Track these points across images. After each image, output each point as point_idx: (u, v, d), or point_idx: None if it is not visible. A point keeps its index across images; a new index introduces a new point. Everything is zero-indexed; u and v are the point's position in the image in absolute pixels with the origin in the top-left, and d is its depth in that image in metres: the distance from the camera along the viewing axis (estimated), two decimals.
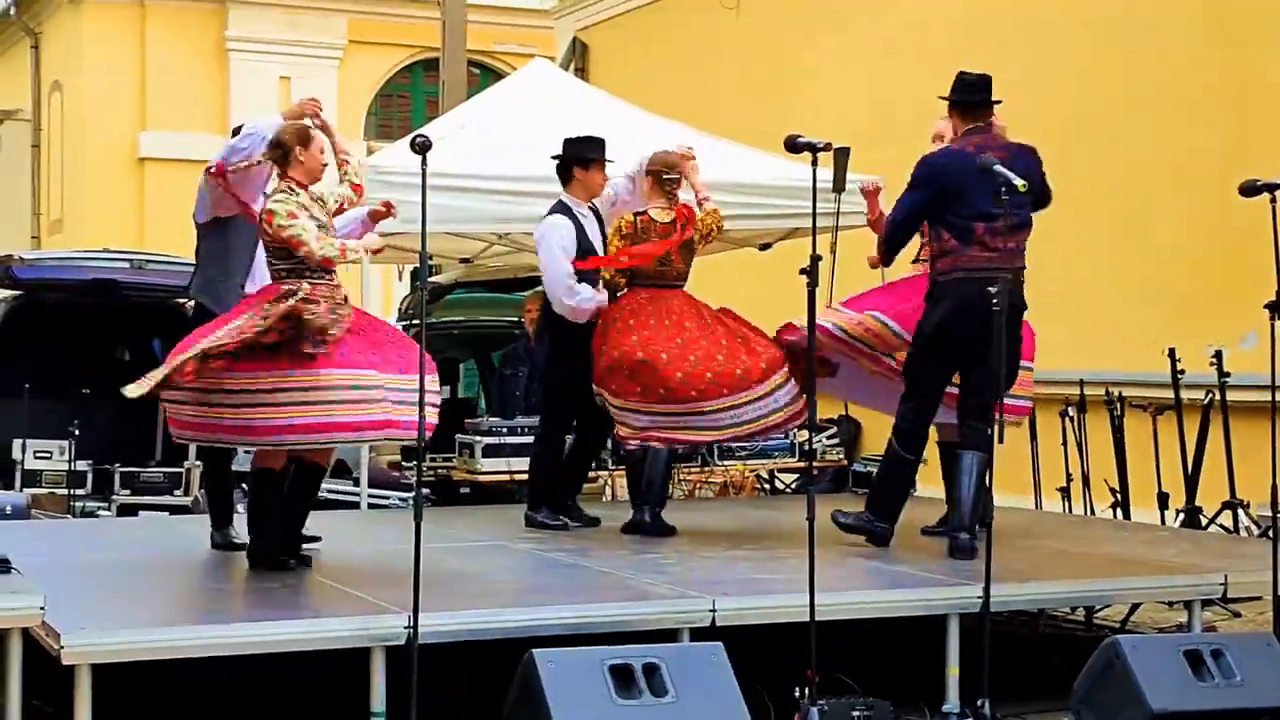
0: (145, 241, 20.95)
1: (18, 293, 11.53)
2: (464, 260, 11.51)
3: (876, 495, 7.21)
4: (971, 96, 7.00)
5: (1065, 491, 9.10)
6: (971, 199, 6.75)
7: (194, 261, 7.11)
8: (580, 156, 7.80)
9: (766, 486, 10.86)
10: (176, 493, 10.69)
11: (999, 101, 7.03)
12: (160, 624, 5.34)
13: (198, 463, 10.88)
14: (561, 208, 7.76)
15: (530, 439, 9.48)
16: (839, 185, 9.76)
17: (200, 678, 5.89)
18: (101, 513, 10.52)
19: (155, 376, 6.16)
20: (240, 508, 7.23)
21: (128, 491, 10.69)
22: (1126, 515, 8.97)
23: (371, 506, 8.96)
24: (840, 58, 13.63)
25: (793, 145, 6.00)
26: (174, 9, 23.29)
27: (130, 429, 11.65)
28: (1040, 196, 6.99)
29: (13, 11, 25.93)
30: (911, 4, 13.00)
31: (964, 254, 6.80)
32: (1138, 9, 11.00)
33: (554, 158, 7.91)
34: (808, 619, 5.37)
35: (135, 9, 23.18)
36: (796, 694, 5.30)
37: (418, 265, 5.54)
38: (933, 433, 7.36)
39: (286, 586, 6.11)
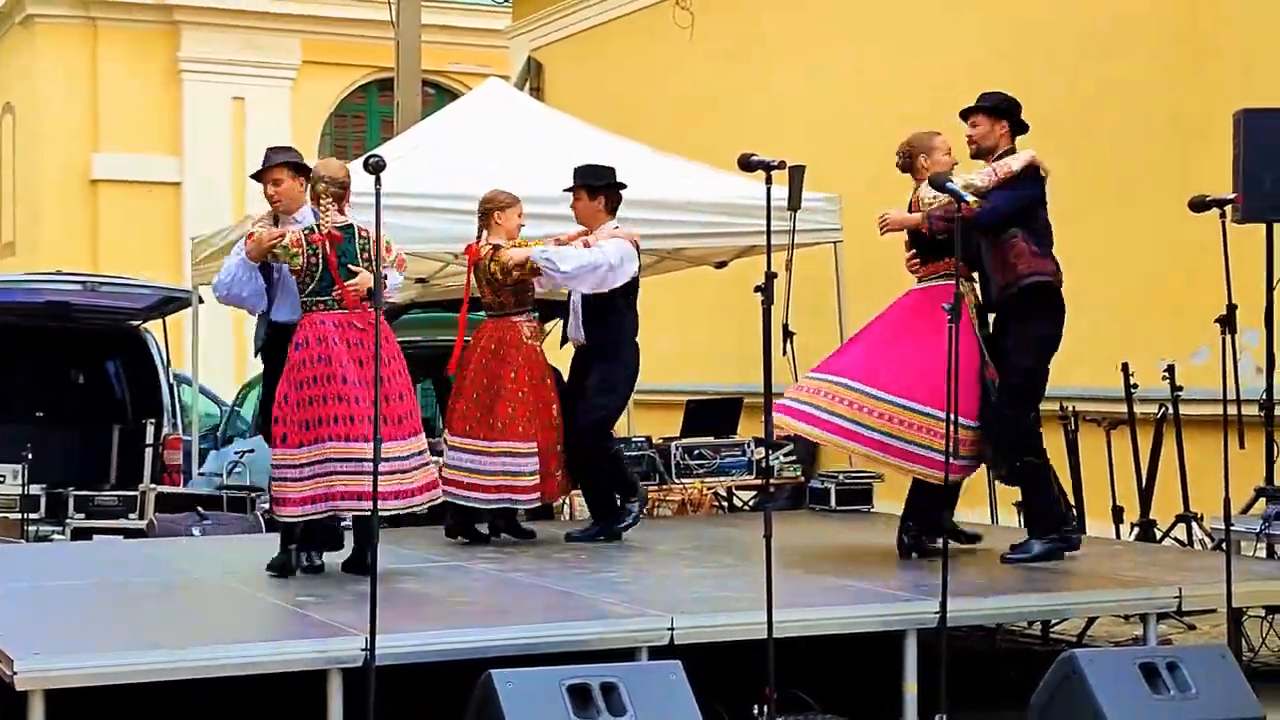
0: (99, 264, 20.85)
1: None
2: (420, 280, 11.49)
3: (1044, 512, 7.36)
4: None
5: (1021, 506, 9.13)
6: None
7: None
8: None
9: (724, 504, 10.86)
10: (131, 516, 10.60)
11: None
12: (115, 649, 5.30)
13: (153, 486, 10.82)
14: None
15: None
16: (794, 203, 9.80)
17: (156, 702, 5.85)
18: (55, 537, 10.43)
19: None
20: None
21: (82, 515, 10.61)
22: (1081, 529, 8.99)
23: None
24: (794, 76, 13.68)
25: (747, 164, 6.00)
26: (126, 30, 23.19)
27: (84, 452, 11.59)
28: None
29: None
30: (865, 23, 13.06)
31: (1052, 260, 7.18)
32: (1089, 29, 11.07)
33: (620, 185, 8.14)
34: (765, 636, 5.37)
35: (87, 30, 23.07)
36: (755, 711, 5.30)
37: (373, 285, 5.53)
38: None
39: (241, 610, 6.08)
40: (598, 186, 8.10)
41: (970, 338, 7.04)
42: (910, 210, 7.34)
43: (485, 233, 7.97)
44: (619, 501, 8.18)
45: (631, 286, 8.09)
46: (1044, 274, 7.17)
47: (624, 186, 8.19)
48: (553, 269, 7.75)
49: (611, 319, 8.07)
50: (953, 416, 6.11)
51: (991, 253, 7.22)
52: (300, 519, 6.76)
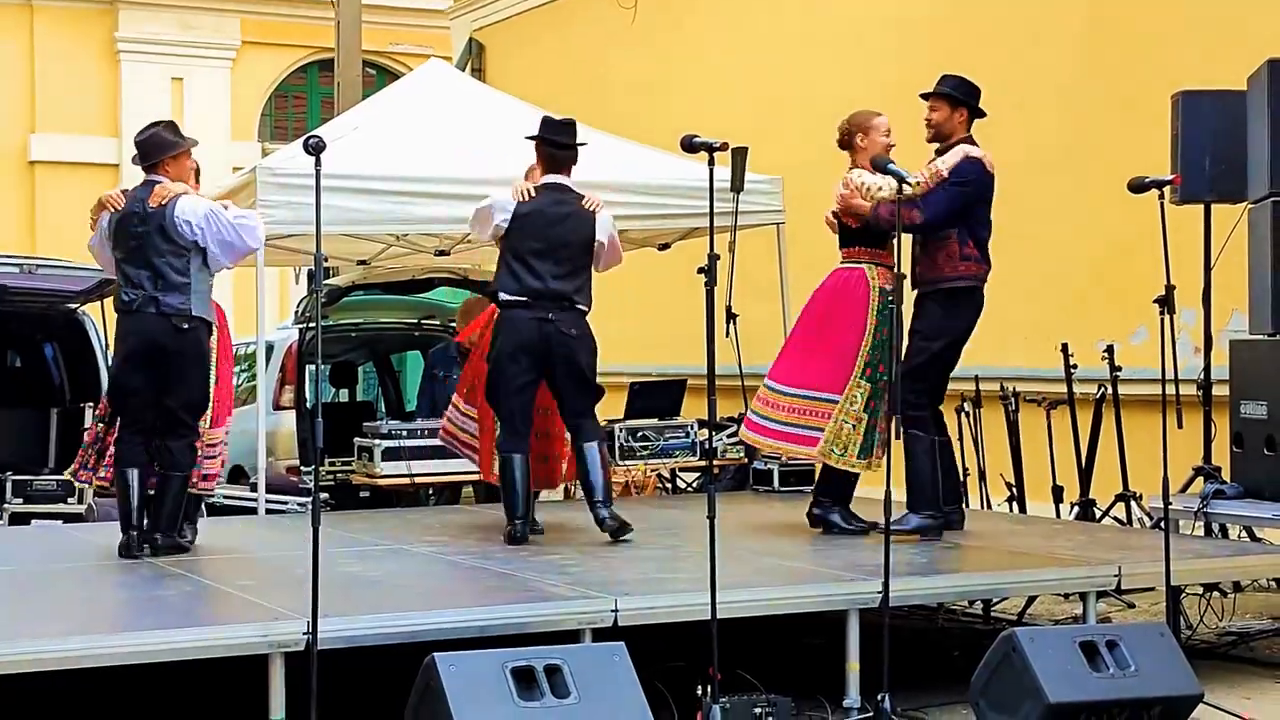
0: (36, 246, 20.61)
1: None
2: (361, 262, 11.44)
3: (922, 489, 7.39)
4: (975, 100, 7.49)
5: (962, 486, 9.19)
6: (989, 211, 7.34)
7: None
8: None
9: (668, 485, 10.87)
10: (70, 501, 10.50)
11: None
12: (54, 634, 5.25)
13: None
14: None
15: (432, 442, 9.47)
16: (737, 185, 9.79)
17: (98, 688, 5.81)
18: None
19: None
20: None
21: (19, 500, 10.50)
22: (1022, 509, 9.08)
23: (270, 512, 8.88)
24: (737, 58, 13.68)
25: (689, 145, 6.01)
26: (62, 9, 22.92)
27: (21, 437, 11.46)
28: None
29: None
30: (810, 6, 13.07)
31: (981, 265, 7.29)
32: (1029, 12, 11.13)
33: (563, 143, 7.50)
34: (709, 617, 5.38)
35: (23, 9, 22.79)
36: (699, 692, 5.31)
37: (313, 267, 5.50)
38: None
39: (183, 594, 6.05)
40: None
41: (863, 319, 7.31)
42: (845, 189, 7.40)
43: None
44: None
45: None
46: (968, 278, 7.36)
47: (561, 145, 7.53)
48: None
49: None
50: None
51: (925, 246, 7.37)
52: None
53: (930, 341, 7.36)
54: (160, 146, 7.07)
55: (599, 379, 7.55)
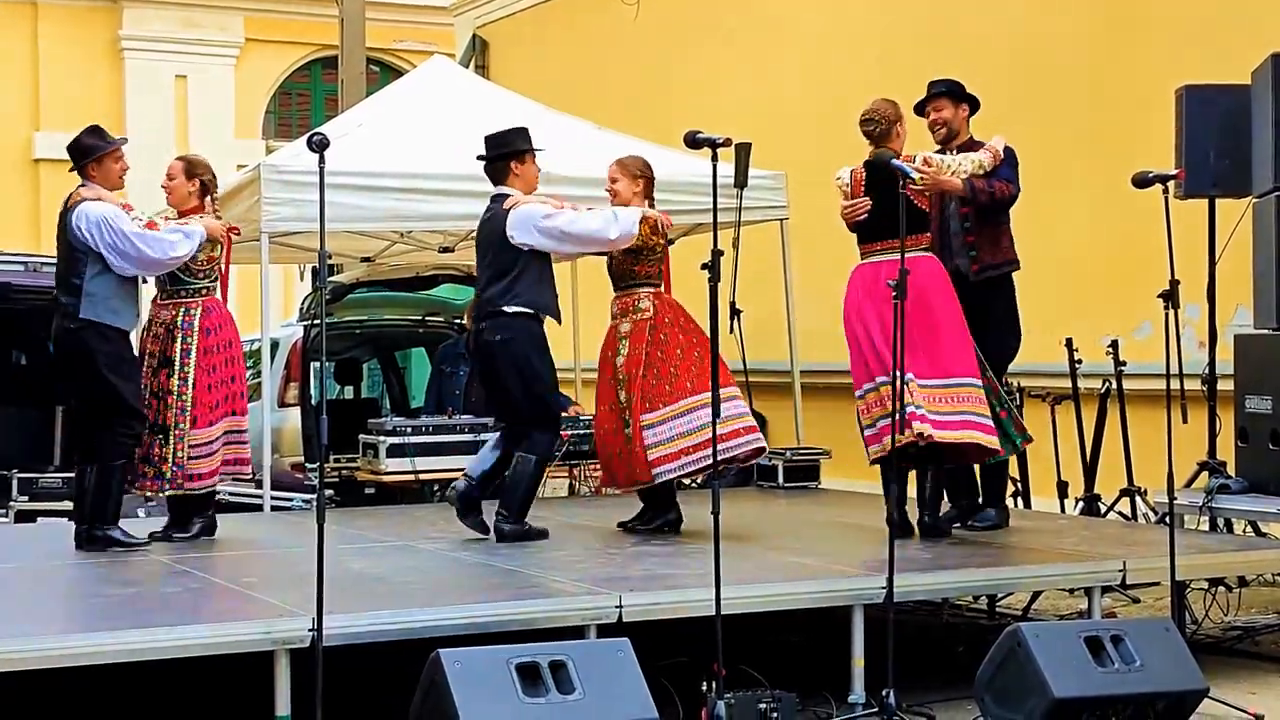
0: (41, 244, 20.62)
1: None
2: (365, 259, 11.45)
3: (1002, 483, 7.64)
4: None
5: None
6: None
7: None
8: (516, 149, 7.40)
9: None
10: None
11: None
12: (59, 631, 5.26)
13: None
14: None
15: (437, 438, 9.47)
16: (740, 181, 9.80)
17: (102, 685, 5.82)
18: None
19: None
20: None
21: (26, 498, 10.52)
22: (1027, 504, 9.07)
23: (274, 508, 8.88)
24: (740, 54, 13.68)
25: (693, 141, 6.01)
26: (66, 8, 22.95)
27: (28, 434, 11.48)
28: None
29: None
30: (809, 2, 13.07)
31: None
32: (1031, 9, 11.11)
33: (483, 158, 7.43)
34: (713, 613, 5.38)
35: (27, 8, 22.82)
36: (703, 688, 5.32)
37: (318, 264, 5.51)
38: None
39: (188, 591, 6.05)
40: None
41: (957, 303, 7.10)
42: (853, 191, 7.29)
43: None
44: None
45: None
46: (1018, 261, 7.50)
47: (487, 159, 7.45)
48: None
49: None
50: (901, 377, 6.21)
51: (984, 231, 7.34)
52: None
53: (1017, 340, 7.53)
54: (83, 152, 7.19)
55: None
